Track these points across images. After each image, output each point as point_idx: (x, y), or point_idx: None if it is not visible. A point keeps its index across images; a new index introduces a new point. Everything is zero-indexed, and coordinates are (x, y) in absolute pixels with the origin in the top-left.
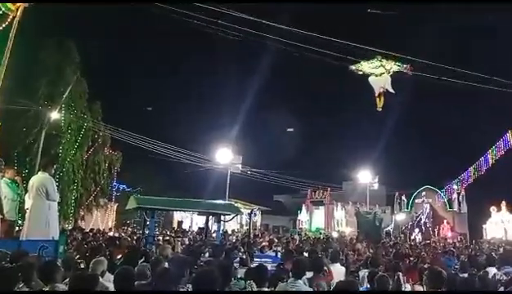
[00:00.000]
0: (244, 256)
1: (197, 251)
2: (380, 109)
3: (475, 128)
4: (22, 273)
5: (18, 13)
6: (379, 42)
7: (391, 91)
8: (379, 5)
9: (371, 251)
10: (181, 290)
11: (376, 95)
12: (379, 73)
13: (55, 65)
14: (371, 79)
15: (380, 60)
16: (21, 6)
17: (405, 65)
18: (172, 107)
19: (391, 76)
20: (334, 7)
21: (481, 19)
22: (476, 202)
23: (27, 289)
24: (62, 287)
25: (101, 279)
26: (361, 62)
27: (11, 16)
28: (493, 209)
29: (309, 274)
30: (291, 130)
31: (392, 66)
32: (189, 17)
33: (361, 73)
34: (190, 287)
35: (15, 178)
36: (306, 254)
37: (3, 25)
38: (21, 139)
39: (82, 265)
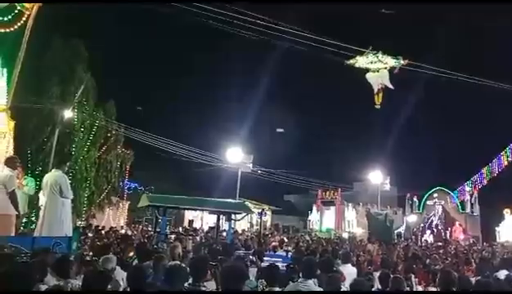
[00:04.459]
0: (253, 258)
1: (214, 249)
2: (379, 107)
3: (488, 129)
4: (36, 269)
5: (33, 11)
6: (393, 40)
7: (390, 86)
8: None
9: (382, 252)
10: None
11: (375, 92)
12: (376, 68)
13: (66, 64)
14: (368, 75)
15: (377, 55)
16: (37, 4)
17: (402, 61)
18: (183, 106)
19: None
20: (344, 7)
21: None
22: (489, 204)
23: (41, 285)
24: (76, 282)
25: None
26: (357, 57)
27: (26, 14)
28: (506, 212)
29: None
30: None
31: (390, 61)
32: (204, 18)
33: (357, 67)
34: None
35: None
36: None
37: (19, 24)
38: (35, 137)
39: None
